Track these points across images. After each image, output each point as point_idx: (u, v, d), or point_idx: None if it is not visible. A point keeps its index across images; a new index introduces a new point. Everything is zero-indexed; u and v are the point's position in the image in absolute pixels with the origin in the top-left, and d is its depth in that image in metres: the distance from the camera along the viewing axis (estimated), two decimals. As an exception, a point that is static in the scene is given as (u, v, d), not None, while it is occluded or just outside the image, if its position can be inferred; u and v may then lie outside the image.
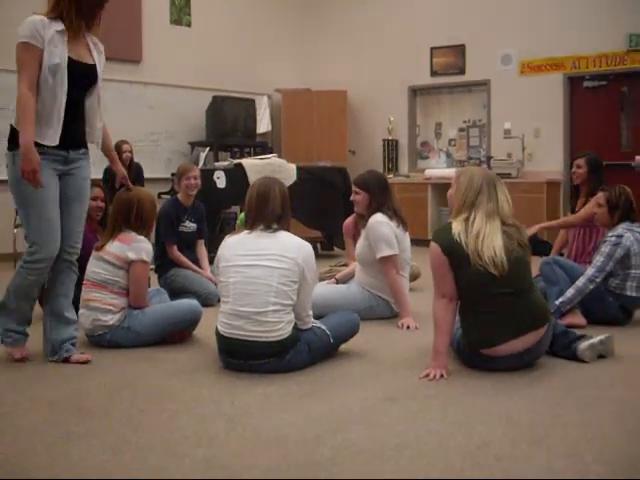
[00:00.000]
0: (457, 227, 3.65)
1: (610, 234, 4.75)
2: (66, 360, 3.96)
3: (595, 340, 3.88)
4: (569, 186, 6.29)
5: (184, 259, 5.95)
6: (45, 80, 3.73)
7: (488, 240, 3.58)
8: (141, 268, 4.34)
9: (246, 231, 3.86)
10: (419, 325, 4.74)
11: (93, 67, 4.11)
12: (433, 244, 3.68)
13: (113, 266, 4.31)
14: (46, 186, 3.74)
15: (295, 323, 3.78)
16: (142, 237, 4.40)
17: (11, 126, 3.81)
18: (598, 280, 4.66)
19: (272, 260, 3.70)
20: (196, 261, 6.07)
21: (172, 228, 5.95)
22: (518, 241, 3.67)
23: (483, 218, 3.63)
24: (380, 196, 5.10)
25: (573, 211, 5.82)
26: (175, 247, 5.95)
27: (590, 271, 4.67)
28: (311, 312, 3.89)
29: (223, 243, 3.93)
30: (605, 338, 3.92)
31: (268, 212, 3.83)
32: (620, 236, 4.69)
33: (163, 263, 5.99)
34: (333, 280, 5.45)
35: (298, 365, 3.77)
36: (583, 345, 3.85)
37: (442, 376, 3.60)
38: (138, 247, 4.33)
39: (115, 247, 4.33)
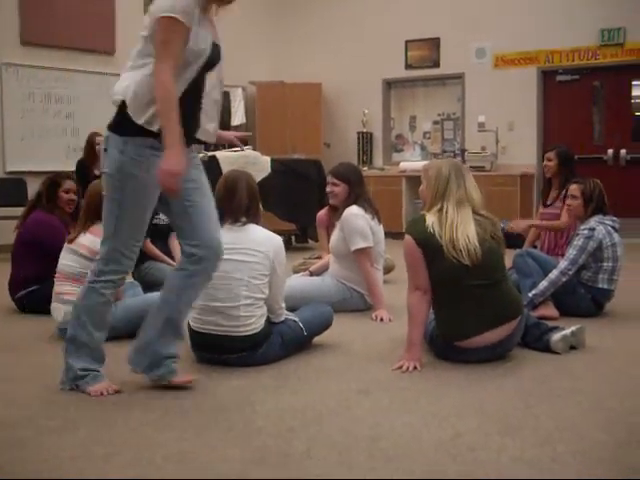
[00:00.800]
0: (430, 218, 3.67)
1: (583, 227, 4.79)
2: (160, 380, 3.36)
3: (567, 332, 3.91)
4: (542, 179, 6.33)
5: (157, 252, 5.92)
6: (185, 66, 3.11)
7: (461, 228, 3.61)
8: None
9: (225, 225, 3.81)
10: (393, 317, 4.75)
11: (219, 48, 3.51)
12: (407, 236, 3.70)
13: (85, 259, 4.27)
14: (155, 189, 3.15)
15: (268, 317, 3.77)
16: None
17: (122, 105, 3.15)
18: (571, 273, 4.70)
19: (242, 254, 3.67)
20: (169, 254, 6.04)
21: None
22: (491, 234, 3.70)
23: (454, 207, 3.66)
24: (358, 188, 5.12)
25: (545, 203, 5.85)
26: (149, 240, 5.92)
27: (563, 264, 4.71)
28: (283, 305, 3.88)
29: None
30: (576, 329, 3.96)
31: (235, 205, 3.79)
32: (592, 229, 4.74)
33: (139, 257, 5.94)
34: (307, 272, 5.45)
35: (271, 358, 3.77)
36: (556, 337, 3.88)
37: (415, 368, 3.61)
38: None
39: (87, 240, 4.30)
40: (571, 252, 4.73)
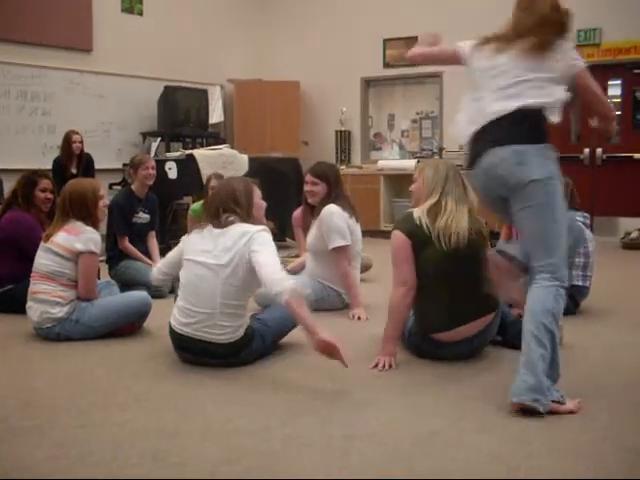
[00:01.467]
0: (417, 212, 3.73)
1: None
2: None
3: None
4: None
5: (135, 251, 5.90)
6: None
7: (456, 220, 3.67)
8: (90, 259, 4.29)
9: (208, 226, 3.76)
10: (370, 316, 4.76)
11: None
12: (396, 231, 3.73)
13: (61, 257, 4.25)
14: None
15: (249, 327, 3.72)
16: (90, 228, 4.34)
17: (538, 113, 3.25)
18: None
19: (218, 257, 3.62)
20: (147, 253, 6.02)
21: (125, 220, 5.90)
22: (476, 231, 3.73)
23: (454, 203, 3.72)
24: (336, 187, 5.12)
25: None
26: (127, 239, 5.90)
27: None
28: (284, 276, 3.59)
29: (186, 237, 3.88)
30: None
31: (215, 206, 3.77)
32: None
33: (114, 255, 5.93)
34: None
35: (252, 359, 3.77)
36: None
37: (391, 366, 3.62)
38: (86, 238, 4.27)
39: (62, 238, 4.27)
40: None
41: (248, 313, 3.76)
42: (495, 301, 3.82)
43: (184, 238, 3.89)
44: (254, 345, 3.75)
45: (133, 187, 6.12)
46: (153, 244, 6.15)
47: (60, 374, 3.61)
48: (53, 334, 4.24)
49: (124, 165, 9.22)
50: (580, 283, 4.83)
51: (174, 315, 3.74)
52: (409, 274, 3.68)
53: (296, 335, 4.22)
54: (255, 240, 3.63)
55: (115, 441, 2.71)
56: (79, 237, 4.26)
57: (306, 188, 5.21)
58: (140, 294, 4.52)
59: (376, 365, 3.64)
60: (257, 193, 3.93)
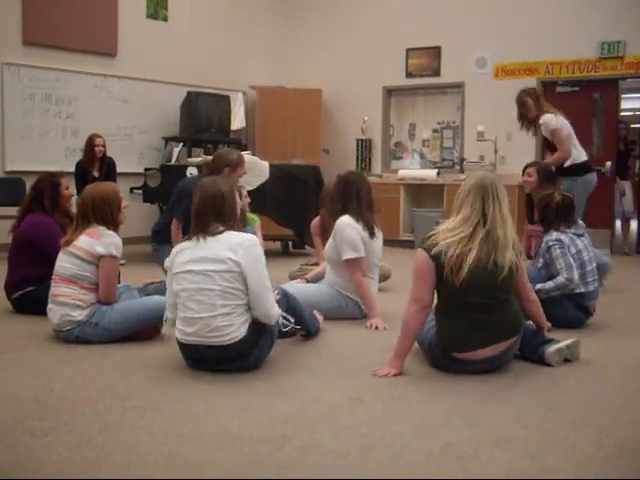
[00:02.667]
0: (446, 233, 3.64)
1: (548, 239, 4.89)
2: None
3: (562, 345, 3.93)
4: (524, 194, 6.37)
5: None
6: None
7: (464, 247, 3.58)
8: (111, 263, 4.32)
9: (193, 238, 3.76)
10: (387, 326, 4.76)
11: None
12: (420, 251, 3.67)
13: (82, 261, 4.28)
14: None
15: (254, 323, 3.71)
16: (111, 232, 4.37)
17: None
18: (575, 278, 4.77)
19: (213, 263, 3.63)
20: None
21: (183, 206, 5.86)
22: (503, 255, 3.64)
23: (461, 223, 3.64)
24: (348, 197, 5.07)
25: (531, 220, 5.85)
26: (180, 226, 5.85)
27: (563, 274, 4.76)
28: (273, 305, 3.75)
29: (173, 250, 3.85)
30: (572, 343, 3.98)
31: (208, 215, 3.75)
32: (559, 240, 4.85)
33: (162, 232, 5.94)
34: (303, 280, 5.45)
35: (264, 359, 3.82)
36: (551, 349, 3.90)
37: (395, 375, 3.67)
38: (107, 242, 4.31)
39: (83, 242, 4.31)
40: (559, 263, 4.79)
41: (248, 314, 3.71)
42: (519, 323, 3.81)
43: (173, 252, 3.84)
44: (262, 344, 3.75)
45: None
46: None
47: (78, 376, 3.64)
48: (72, 337, 4.28)
49: (145, 169, 9.29)
50: (583, 290, 4.86)
51: (178, 328, 3.75)
52: (426, 294, 3.66)
53: (313, 344, 4.24)
54: (251, 254, 3.67)
55: (132, 445, 2.73)
56: (100, 241, 4.30)
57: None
58: (159, 299, 4.54)
59: (379, 373, 3.67)
60: (237, 194, 3.97)
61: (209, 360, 3.69)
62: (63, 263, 4.33)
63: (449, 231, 3.65)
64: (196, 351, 3.71)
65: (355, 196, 5.08)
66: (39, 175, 5.48)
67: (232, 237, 3.71)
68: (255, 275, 3.66)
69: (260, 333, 3.73)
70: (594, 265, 4.95)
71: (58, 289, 4.31)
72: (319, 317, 4.67)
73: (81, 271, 4.29)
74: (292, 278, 5.94)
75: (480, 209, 3.64)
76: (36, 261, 5.02)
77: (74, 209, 4.88)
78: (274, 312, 3.75)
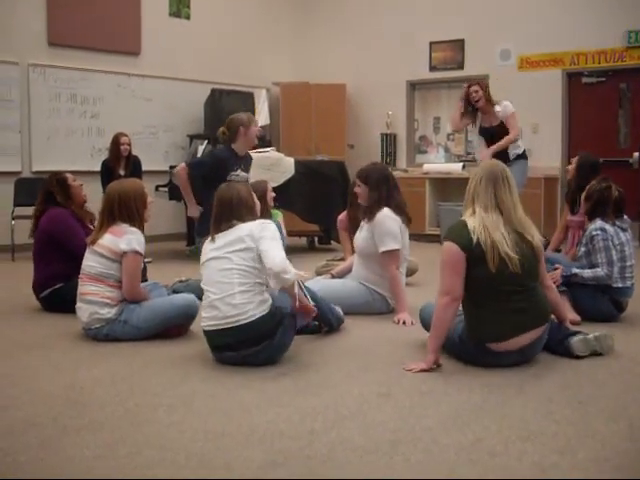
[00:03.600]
0: (472, 223, 3.66)
1: (592, 228, 4.83)
2: None
3: (589, 336, 3.90)
4: (565, 188, 6.37)
5: (187, 189, 6.31)
6: None
7: (495, 233, 3.61)
8: (133, 260, 4.35)
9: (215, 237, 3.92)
10: (415, 321, 4.75)
11: None
12: (449, 243, 3.67)
13: (107, 259, 4.32)
14: None
15: (273, 304, 3.77)
16: (134, 229, 4.40)
17: None
18: (614, 274, 4.74)
19: (231, 246, 3.79)
20: None
21: (216, 171, 6.08)
22: (526, 241, 3.69)
23: (482, 211, 3.67)
24: (381, 189, 5.08)
25: (572, 209, 5.78)
26: (187, 170, 6.24)
27: (603, 269, 4.74)
28: (284, 260, 3.72)
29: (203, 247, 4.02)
30: (600, 335, 3.94)
31: (225, 217, 3.91)
32: (603, 229, 4.77)
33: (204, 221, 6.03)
34: (329, 275, 5.45)
35: (287, 347, 3.86)
36: (576, 338, 3.87)
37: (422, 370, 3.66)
38: (129, 239, 4.33)
39: (107, 240, 4.34)
40: (600, 256, 4.75)
41: (267, 294, 3.79)
42: (548, 311, 3.82)
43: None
44: (284, 326, 3.77)
45: (234, 146, 6.30)
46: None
47: (107, 374, 3.67)
48: (101, 335, 4.31)
49: (170, 167, 9.32)
50: (620, 285, 4.79)
51: (202, 318, 3.85)
52: (457, 285, 3.64)
53: (340, 339, 4.24)
54: (265, 229, 3.82)
55: (162, 442, 2.75)
56: (123, 238, 4.32)
57: (355, 190, 5.25)
58: (187, 297, 4.56)
59: (411, 369, 3.67)
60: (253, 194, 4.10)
61: (232, 346, 3.72)
62: (89, 262, 4.37)
63: (474, 221, 3.67)
64: (218, 337, 3.75)
65: (396, 188, 5.17)
66: (44, 179, 5.57)
67: (250, 223, 3.87)
68: (267, 238, 3.77)
69: (281, 317, 3.77)
70: (634, 262, 4.88)
71: (85, 287, 4.35)
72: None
73: (106, 269, 4.32)
74: (319, 274, 5.94)
75: (494, 196, 3.69)
76: (61, 258, 5.08)
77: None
78: (286, 268, 3.70)
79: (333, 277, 5.39)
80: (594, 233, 4.81)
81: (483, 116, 7.37)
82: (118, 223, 4.39)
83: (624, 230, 4.88)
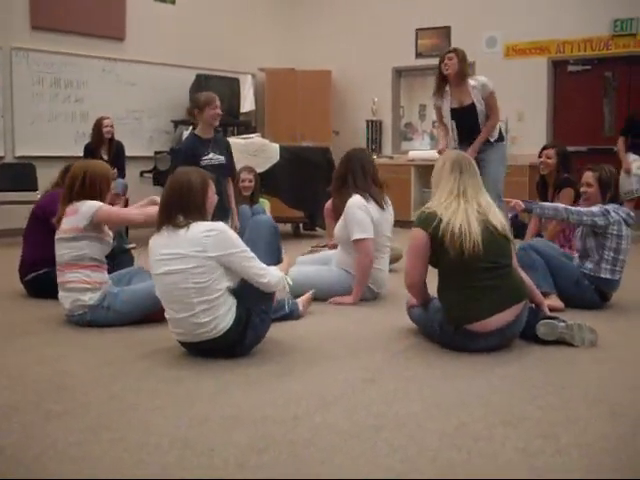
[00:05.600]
0: (435, 207, 3.77)
1: (600, 205, 4.81)
2: None
3: (560, 323, 3.89)
4: (538, 175, 6.26)
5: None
6: None
7: (459, 217, 3.68)
8: (103, 211, 4.33)
9: (162, 230, 3.64)
10: (395, 308, 4.68)
11: None
12: (415, 228, 3.77)
13: (73, 240, 4.28)
14: None
15: (237, 306, 3.61)
16: (85, 201, 4.34)
17: None
18: (572, 218, 4.73)
19: (182, 261, 3.52)
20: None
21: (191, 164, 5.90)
22: (492, 224, 3.75)
23: (450, 197, 3.77)
24: (350, 172, 5.06)
25: (543, 201, 5.76)
26: None
27: (572, 208, 4.80)
28: (263, 272, 3.61)
29: (149, 246, 3.75)
30: (574, 324, 3.90)
31: (174, 206, 3.61)
32: (608, 211, 4.73)
33: None
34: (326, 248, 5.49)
35: (262, 338, 3.77)
36: (542, 322, 3.88)
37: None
38: (84, 211, 4.29)
39: (66, 223, 4.33)
40: (583, 209, 4.78)
41: (230, 298, 3.61)
42: (524, 289, 3.86)
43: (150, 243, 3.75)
44: (254, 323, 3.63)
45: (197, 131, 6.08)
46: (230, 191, 6.19)
47: (92, 359, 3.65)
48: (84, 321, 4.29)
49: (156, 153, 9.29)
50: (608, 276, 4.78)
51: (170, 328, 3.74)
52: (415, 269, 3.84)
53: (324, 325, 4.24)
54: (221, 243, 3.53)
55: (146, 427, 2.74)
56: (77, 215, 4.30)
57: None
58: None
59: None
60: (212, 188, 3.74)
61: (208, 352, 3.65)
62: (59, 252, 4.35)
63: (439, 205, 3.77)
64: (189, 345, 3.71)
65: (360, 170, 5.08)
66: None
67: (197, 231, 3.53)
68: (236, 257, 3.56)
69: (249, 315, 3.62)
70: (626, 257, 4.86)
71: (64, 276, 4.32)
72: (303, 301, 4.63)
73: (77, 251, 4.27)
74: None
75: (459, 180, 3.82)
76: (49, 240, 5.02)
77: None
78: (269, 279, 3.61)
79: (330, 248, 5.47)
80: (597, 207, 4.78)
81: (453, 92, 6.28)
82: (73, 203, 4.34)
83: (628, 225, 4.84)
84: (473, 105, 6.23)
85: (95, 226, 4.32)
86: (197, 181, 3.63)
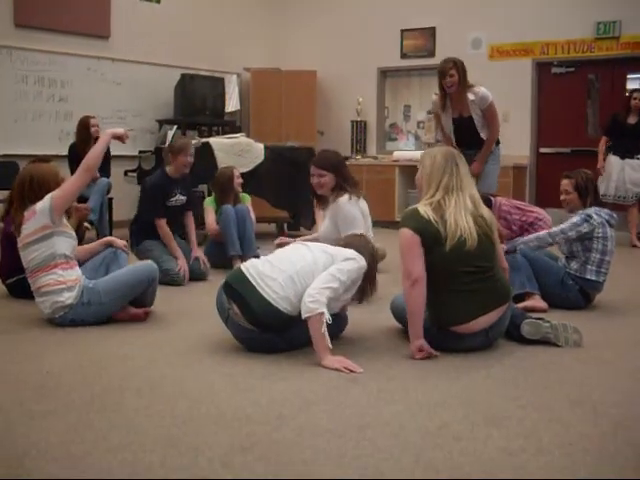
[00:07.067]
0: (423, 207, 3.72)
1: (581, 212, 4.86)
2: None
3: (545, 323, 3.92)
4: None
5: (170, 237, 5.87)
6: None
7: (458, 214, 3.67)
8: (57, 194, 4.24)
9: None
10: (380, 307, 4.71)
11: None
12: (404, 229, 3.69)
13: (38, 242, 4.23)
14: None
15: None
16: (37, 203, 4.29)
17: None
18: (557, 239, 4.88)
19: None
20: (181, 235, 6.14)
21: (162, 202, 5.91)
22: (485, 224, 3.74)
23: (448, 195, 3.73)
24: (343, 173, 5.12)
25: None
26: (164, 222, 5.86)
27: (553, 229, 4.91)
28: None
29: None
30: (558, 324, 3.94)
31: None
32: (590, 216, 4.79)
33: (138, 230, 5.96)
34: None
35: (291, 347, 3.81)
36: (527, 321, 3.91)
37: (429, 353, 3.67)
38: (40, 208, 4.23)
39: (28, 228, 4.26)
40: (565, 224, 4.86)
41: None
42: (508, 291, 3.87)
43: None
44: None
45: (168, 170, 6.05)
46: (191, 224, 6.17)
47: (75, 359, 3.64)
48: (67, 321, 4.25)
49: (140, 152, 9.25)
50: (593, 277, 4.82)
51: None
52: (416, 267, 3.63)
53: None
54: None
55: (130, 426, 2.73)
56: (36, 216, 4.24)
57: (313, 181, 5.19)
58: (146, 263, 4.54)
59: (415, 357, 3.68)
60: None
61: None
62: (28, 257, 4.29)
63: (425, 204, 3.74)
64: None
65: (346, 170, 5.24)
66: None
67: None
68: None
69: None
70: (612, 258, 4.91)
71: (37, 282, 4.27)
72: None
73: (48, 249, 4.21)
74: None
75: (457, 176, 3.78)
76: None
77: None
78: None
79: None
80: (578, 214, 4.87)
81: (453, 104, 6.41)
82: (27, 208, 4.30)
83: (611, 226, 4.89)
84: (471, 118, 6.35)
85: (58, 218, 4.25)
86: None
